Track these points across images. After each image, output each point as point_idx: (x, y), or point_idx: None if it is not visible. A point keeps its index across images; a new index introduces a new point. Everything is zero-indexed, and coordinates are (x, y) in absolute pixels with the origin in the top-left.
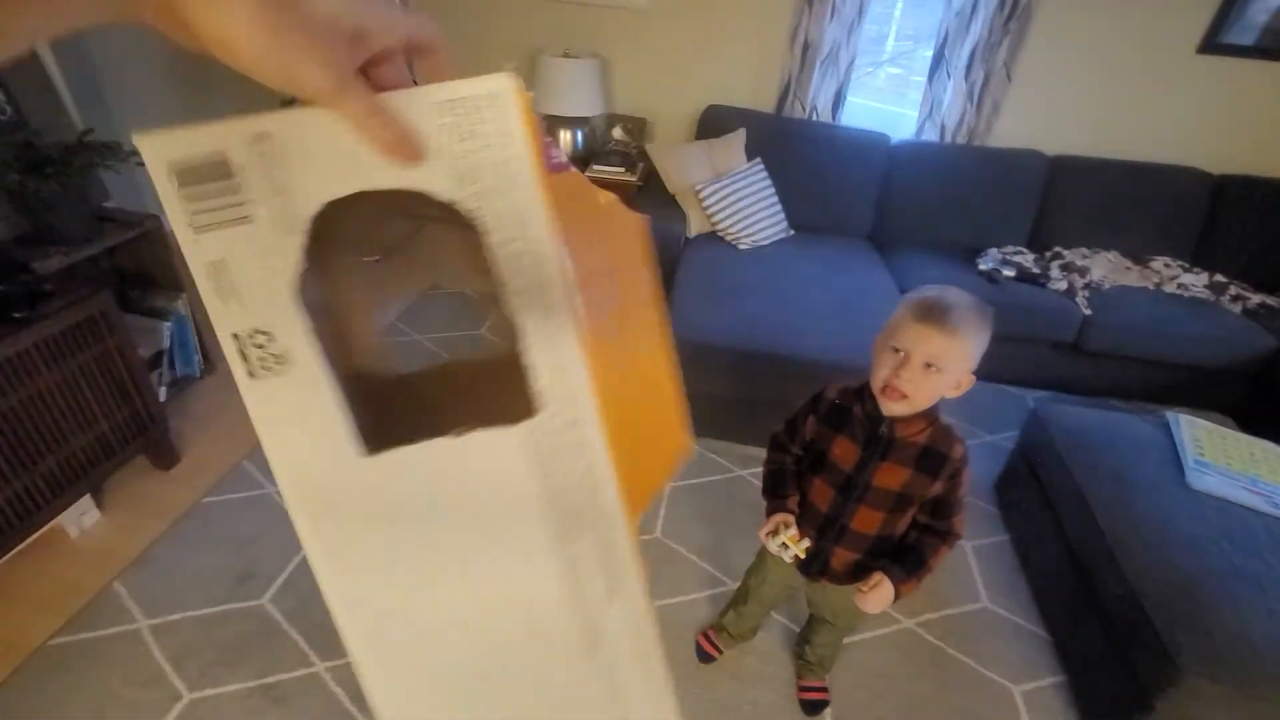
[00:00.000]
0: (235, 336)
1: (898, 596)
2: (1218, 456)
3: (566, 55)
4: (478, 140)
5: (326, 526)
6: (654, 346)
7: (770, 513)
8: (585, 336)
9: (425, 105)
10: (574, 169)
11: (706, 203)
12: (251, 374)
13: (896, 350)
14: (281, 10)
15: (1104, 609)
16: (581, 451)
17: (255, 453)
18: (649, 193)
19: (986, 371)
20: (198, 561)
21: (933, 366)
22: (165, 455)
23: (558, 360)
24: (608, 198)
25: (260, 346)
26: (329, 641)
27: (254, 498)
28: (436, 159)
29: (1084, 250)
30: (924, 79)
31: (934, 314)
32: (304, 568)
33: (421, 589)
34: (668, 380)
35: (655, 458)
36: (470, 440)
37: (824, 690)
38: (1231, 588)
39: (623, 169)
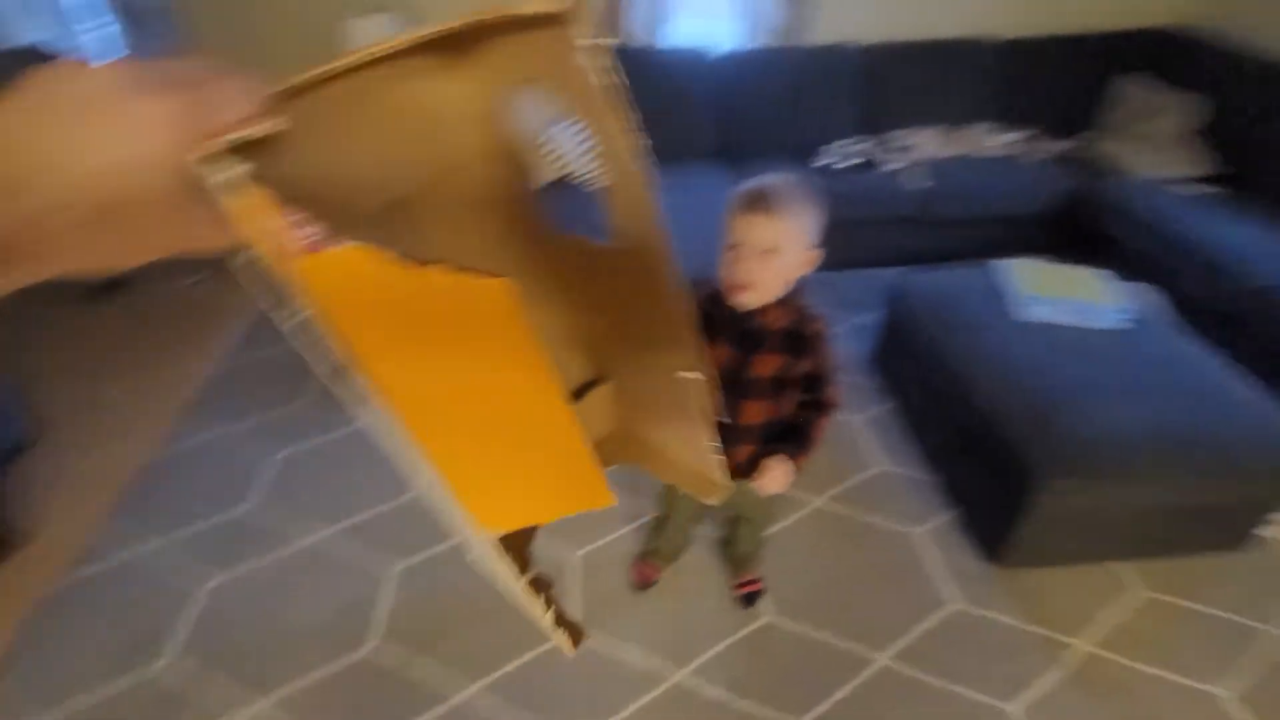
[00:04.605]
0: None
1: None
2: (1044, 289)
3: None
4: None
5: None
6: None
7: None
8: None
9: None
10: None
11: (549, 149)
12: None
13: (733, 246)
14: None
15: (971, 441)
16: None
17: (115, 514)
18: None
19: (845, 259)
20: (73, 645)
21: (769, 251)
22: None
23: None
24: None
25: None
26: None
27: (122, 566)
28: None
29: (912, 129)
30: None
31: (755, 201)
32: (204, 621)
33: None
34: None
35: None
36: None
37: (756, 582)
38: (1071, 395)
39: None
